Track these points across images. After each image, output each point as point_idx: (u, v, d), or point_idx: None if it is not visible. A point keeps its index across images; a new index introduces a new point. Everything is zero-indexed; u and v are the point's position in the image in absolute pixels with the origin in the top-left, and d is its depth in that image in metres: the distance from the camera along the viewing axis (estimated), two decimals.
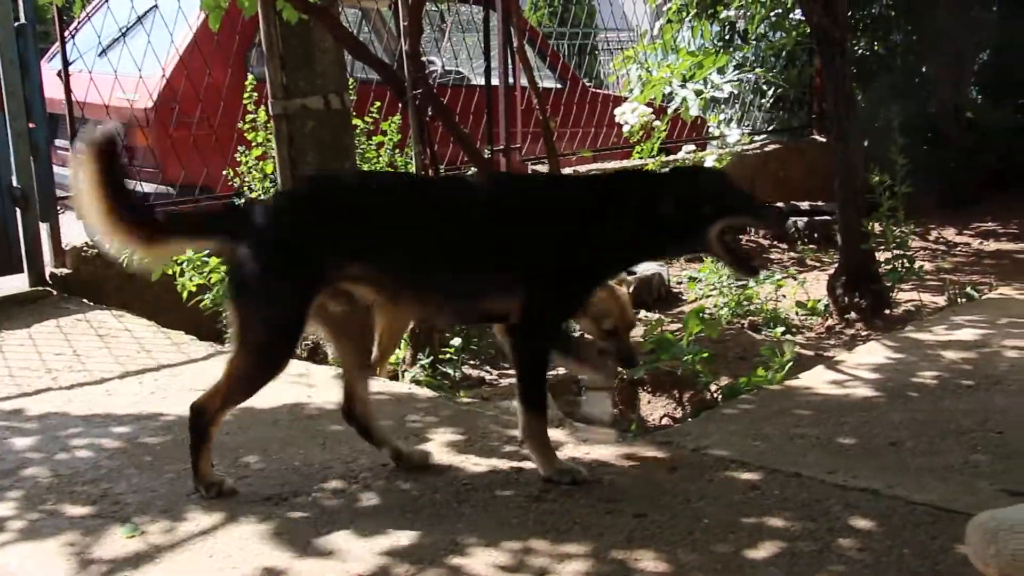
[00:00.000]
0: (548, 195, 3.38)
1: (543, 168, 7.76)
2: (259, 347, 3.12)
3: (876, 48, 9.65)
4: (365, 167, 6.32)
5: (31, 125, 5.71)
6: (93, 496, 3.19)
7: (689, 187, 3.24)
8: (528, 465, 3.35)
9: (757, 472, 3.27)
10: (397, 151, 6.60)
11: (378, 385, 4.33)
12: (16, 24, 5.61)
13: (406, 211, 3.19)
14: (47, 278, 5.82)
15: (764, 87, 10.03)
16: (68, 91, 6.10)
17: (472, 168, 6.69)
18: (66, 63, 6.13)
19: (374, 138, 6.65)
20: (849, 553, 2.72)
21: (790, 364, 4.60)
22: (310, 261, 3.09)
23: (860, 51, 9.49)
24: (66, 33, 6.41)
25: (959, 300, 5.96)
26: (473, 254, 3.20)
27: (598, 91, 10.00)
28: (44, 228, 5.84)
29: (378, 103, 6.71)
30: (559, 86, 9.29)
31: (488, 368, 5.49)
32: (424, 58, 5.91)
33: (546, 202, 3.30)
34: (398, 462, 3.35)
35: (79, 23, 8.09)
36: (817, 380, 4.31)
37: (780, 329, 5.78)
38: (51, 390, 4.34)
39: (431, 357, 5.10)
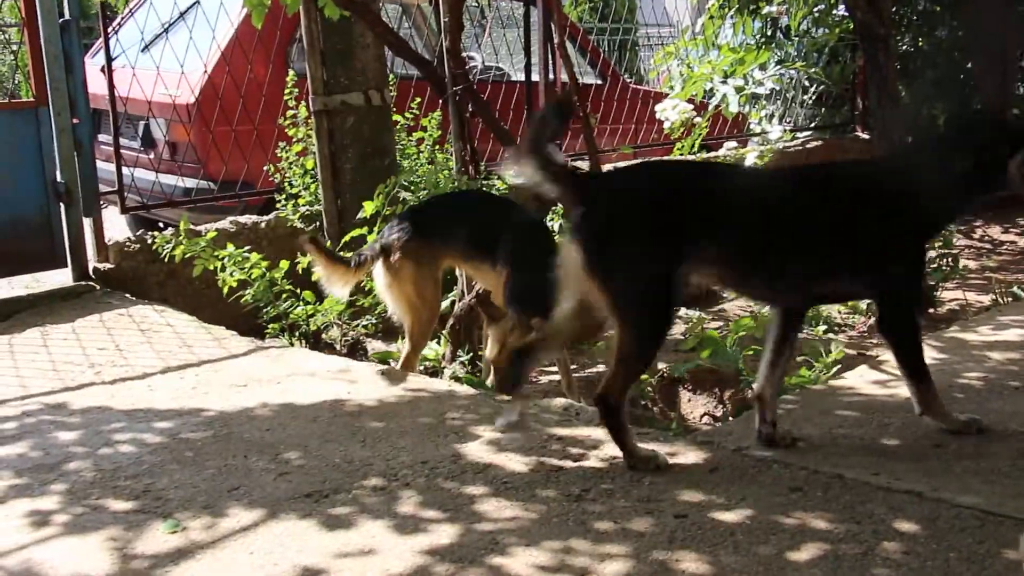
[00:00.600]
0: (871, 176, 3.55)
1: (583, 165, 7.74)
2: (643, 323, 3.23)
3: (920, 44, 9.54)
4: (405, 163, 6.33)
5: (75, 120, 5.76)
6: (135, 491, 3.21)
7: (986, 132, 3.43)
8: (568, 464, 3.34)
9: (799, 473, 3.23)
10: (437, 147, 6.61)
11: (417, 381, 4.34)
12: (61, 20, 5.66)
13: (758, 197, 3.35)
14: (90, 273, 5.88)
15: (806, 83, 9.94)
16: (111, 87, 6.16)
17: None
18: (109, 59, 6.18)
19: (414, 134, 6.66)
20: (894, 556, 2.68)
21: (837, 366, 4.55)
22: (676, 240, 3.21)
23: (904, 47, 9.38)
24: (109, 29, 6.47)
25: (1005, 299, 5.88)
26: (820, 239, 3.34)
27: (638, 87, 9.95)
28: (87, 223, 5.89)
29: (418, 99, 6.72)
30: (599, 82, 9.26)
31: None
32: (464, 54, 5.91)
33: (871, 183, 3.46)
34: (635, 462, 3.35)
35: (122, 19, 8.16)
36: (860, 380, 4.25)
37: (822, 327, 5.72)
38: (94, 384, 4.37)
39: (471, 354, 5.10)
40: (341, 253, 5.40)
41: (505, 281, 4.57)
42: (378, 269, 4.80)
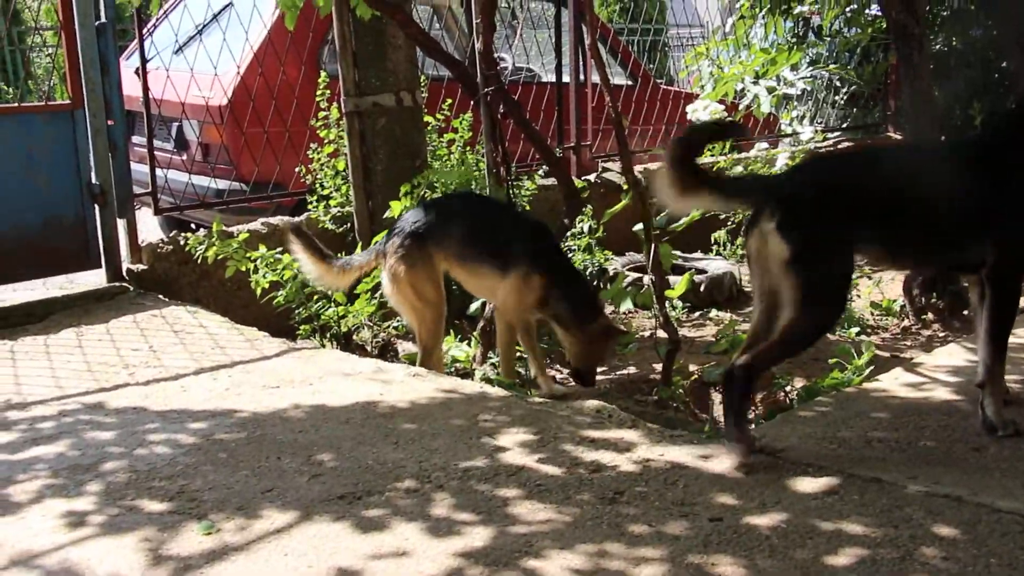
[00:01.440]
0: (994, 149, 3.65)
1: (614, 166, 7.73)
2: (823, 304, 3.38)
3: (954, 43, 9.45)
4: (436, 164, 6.34)
5: (110, 122, 5.80)
6: (170, 492, 3.23)
7: None
8: (602, 467, 3.32)
9: (835, 477, 3.20)
10: (468, 149, 6.61)
11: (449, 383, 4.34)
12: (97, 23, 5.70)
13: (908, 177, 3.52)
14: (124, 274, 5.91)
15: (838, 84, 9.88)
16: (146, 88, 6.19)
17: (543, 166, 6.70)
18: (144, 61, 6.22)
19: (445, 135, 6.66)
20: (933, 562, 2.65)
21: (871, 368, 4.51)
22: (854, 228, 3.39)
23: (938, 46, 9.30)
24: (144, 31, 6.51)
25: None
26: (962, 211, 3.48)
27: (669, 88, 9.92)
28: (121, 224, 5.93)
29: (449, 100, 6.72)
30: (630, 83, 9.24)
31: (559, 367, 5.47)
32: (495, 55, 5.90)
33: (996, 156, 3.57)
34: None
35: (156, 21, 8.21)
36: (895, 383, 4.22)
37: (855, 330, 5.68)
38: (128, 385, 4.40)
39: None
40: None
41: (547, 288, 4.73)
42: (383, 275, 4.85)
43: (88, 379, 4.48)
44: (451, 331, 5.37)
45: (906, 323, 5.91)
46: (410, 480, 3.26)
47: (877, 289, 6.27)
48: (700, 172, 3.42)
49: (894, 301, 6.09)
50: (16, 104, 6.77)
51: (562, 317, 4.82)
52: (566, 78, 7.82)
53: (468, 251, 4.80)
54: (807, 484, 3.17)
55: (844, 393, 4.18)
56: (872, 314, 6.07)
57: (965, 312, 5.80)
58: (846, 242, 3.39)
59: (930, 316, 5.84)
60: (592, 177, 7.73)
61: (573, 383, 5.22)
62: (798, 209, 3.35)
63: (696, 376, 5.11)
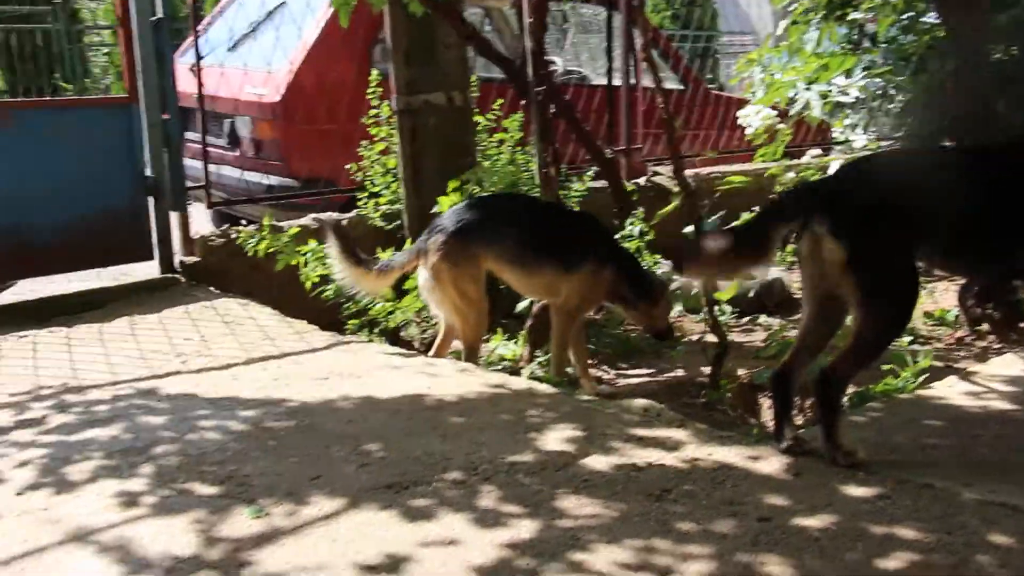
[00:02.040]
0: None
1: (664, 170, 7.70)
2: (889, 302, 3.34)
3: (1012, 52, 9.30)
4: (485, 164, 6.34)
5: (165, 116, 5.87)
6: (220, 476, 3.25)
7: None
8: (649, 464, 3.30)
9: (886, 481, 3.16)
10: (518, 148, 6.61)
11: (497, 379, 4.34)
12: (153, 19, 5.77)
13: (966, 183, 3.43)
14: (176, 266, 5.98)
15: (892, 91, 9.76)
16: (200, 84, 6.26)
17: (593, 168, 6.69)
18: (199, 57, 6.29)
19: (495, 135, 6.67)
20: (989, 569, 2.60)
21: (925, 375, 4.45)
22: (915, 230, 3.35)
23: (998, 56, 9.16)
24: (199, 28, 6.57)
25: None
26: (1016, 217, 3.43)
27: (720, 93, 9.88)
28: (174, 217, 5.99)
29: (500, 100, 6.73)
30: (681, 88, 9.21)
31: (605, 368, 5.45)
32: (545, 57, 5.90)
33: None
34: (795, 444, 3.43)
35: (212, 19, 8.30)
36: (949, 391, 4.16)
37: (907, 339, 5.60)
38: (180, 373, 4.44)
39: (549, 354, 5.08)
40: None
41: (615, 279, 4.87)
42: (421, 273, 4.84)
43: (141, 366, 4.53)
44: (498, 329, 5.37)
45: (960, 333, 5.82)
46: (457, 472, 3.26)
47: (931, 299, 6.18)
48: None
49: (948, 311, 6.00)
50: (76, 98, 6.87)
51: (629, 299, 4.99)
52: (617, 81, 7.81)
53: (524, 250, 4.79)
54: (857, 488, 3.13)
55: (896, 399, 4.13)
56: (925, 324, 5.99)
57: (1022, 324, 5.71)
58: (902, 238, 3.32)
59: (985, 327, 5.74)
60: (642, 181, 7.71)
61: (619, 383, 5.21)
62: (849, 210, 3.31)
63: (744, 380, 5.07)
